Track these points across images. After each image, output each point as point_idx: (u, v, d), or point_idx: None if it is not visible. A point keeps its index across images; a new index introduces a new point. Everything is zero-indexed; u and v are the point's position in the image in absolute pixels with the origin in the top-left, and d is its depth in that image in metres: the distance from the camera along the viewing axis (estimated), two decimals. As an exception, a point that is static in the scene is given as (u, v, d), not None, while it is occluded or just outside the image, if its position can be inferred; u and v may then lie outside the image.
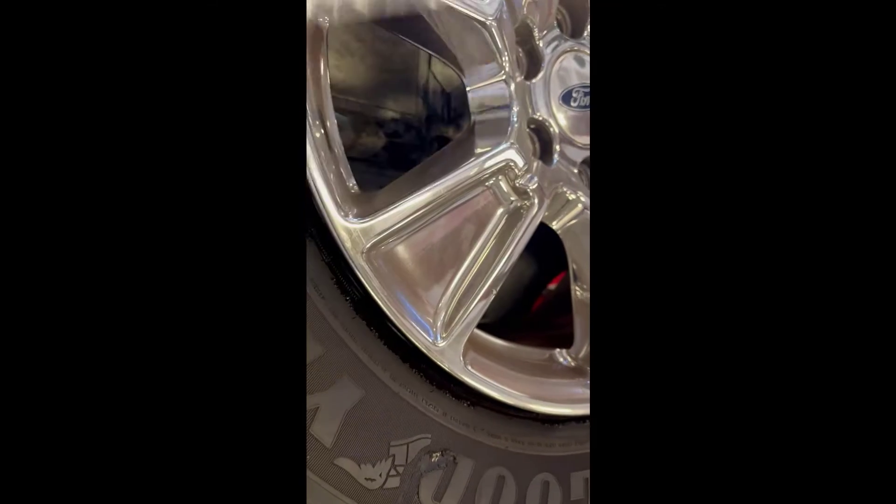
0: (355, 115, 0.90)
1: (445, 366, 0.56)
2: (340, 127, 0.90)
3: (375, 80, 0.94)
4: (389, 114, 0.97)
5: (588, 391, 0.71)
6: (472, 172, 0.59)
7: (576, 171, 0.73)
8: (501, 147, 0.60)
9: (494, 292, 0.61)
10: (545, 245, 0.75)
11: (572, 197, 0.69)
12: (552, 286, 1.09)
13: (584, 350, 0.74)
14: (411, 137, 0.98)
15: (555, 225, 0.74)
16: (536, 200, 0.62)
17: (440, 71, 0.97)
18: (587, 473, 0.66)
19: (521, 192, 0.63)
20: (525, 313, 1.08)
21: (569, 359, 0.73)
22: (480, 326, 0.65)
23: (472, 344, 0.65)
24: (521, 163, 0.61)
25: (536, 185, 0.62)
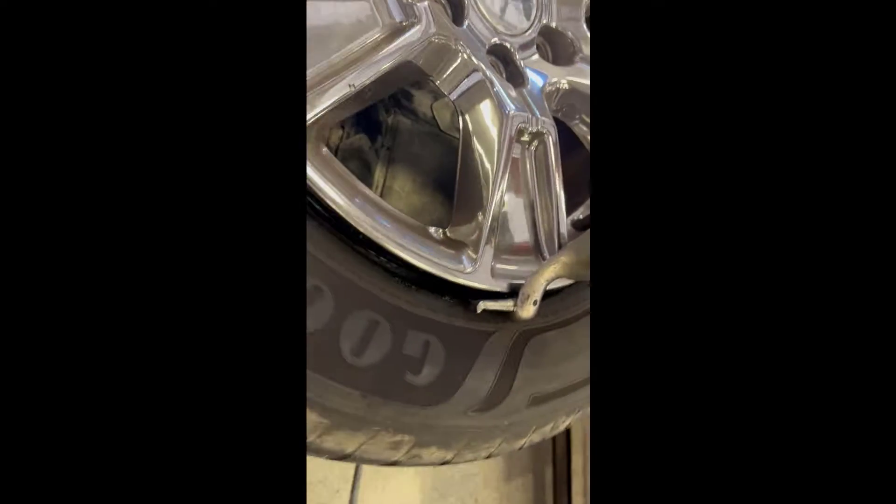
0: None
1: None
2: None
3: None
4: None
5: (454, 262, 0.60)
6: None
7: (484, 48, 0.67)
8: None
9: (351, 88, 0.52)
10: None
11: (465, 56, 0.61)
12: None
13: (460, 230, 0.64)
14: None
15: (454, 97, 0.66)
16: (424, 21, 0.55)
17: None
18: (429, 337, 0.55)
19: (408, 9, 0.56)
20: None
21: (440, 233, 0.63)
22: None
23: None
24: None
25: (426, 4, 0.55)
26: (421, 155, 1.04)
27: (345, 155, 0.95)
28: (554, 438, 1.65)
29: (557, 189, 0.66)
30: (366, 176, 0.96)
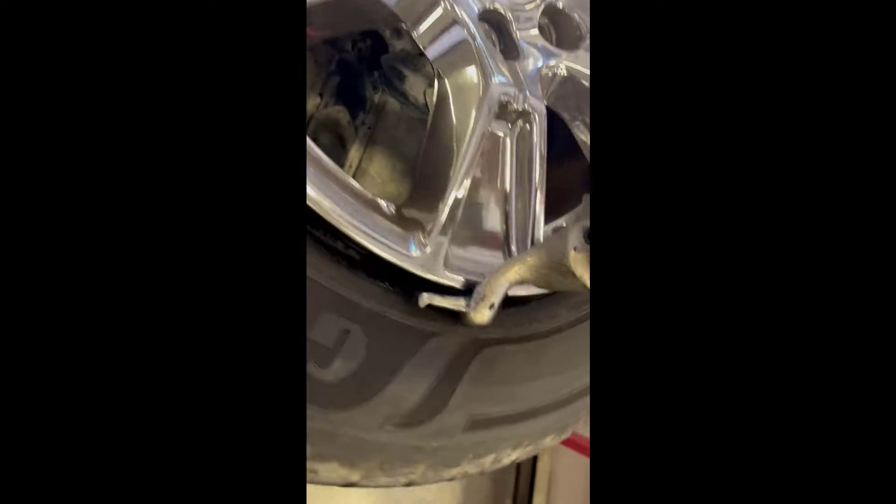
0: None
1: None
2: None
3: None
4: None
5: (399, 243, 0.50)
6: None
7: (475, 10, 0.57)
8: None
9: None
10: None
11: (448, 7, 0.51)
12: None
13: (417, 209, 0.54)
14: None
15: (431, 55, 0.56)
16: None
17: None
18: (349, 325, 0.44)
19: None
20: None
21: (392, 208, 0.53)
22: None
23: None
24: None
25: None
26: (406, 141, 0.94)
27: (318, 126, 0.85)
28: (518, 472, 1.52)
29: (538, 177, 0.55)
30: (339, 153, 0.86)
